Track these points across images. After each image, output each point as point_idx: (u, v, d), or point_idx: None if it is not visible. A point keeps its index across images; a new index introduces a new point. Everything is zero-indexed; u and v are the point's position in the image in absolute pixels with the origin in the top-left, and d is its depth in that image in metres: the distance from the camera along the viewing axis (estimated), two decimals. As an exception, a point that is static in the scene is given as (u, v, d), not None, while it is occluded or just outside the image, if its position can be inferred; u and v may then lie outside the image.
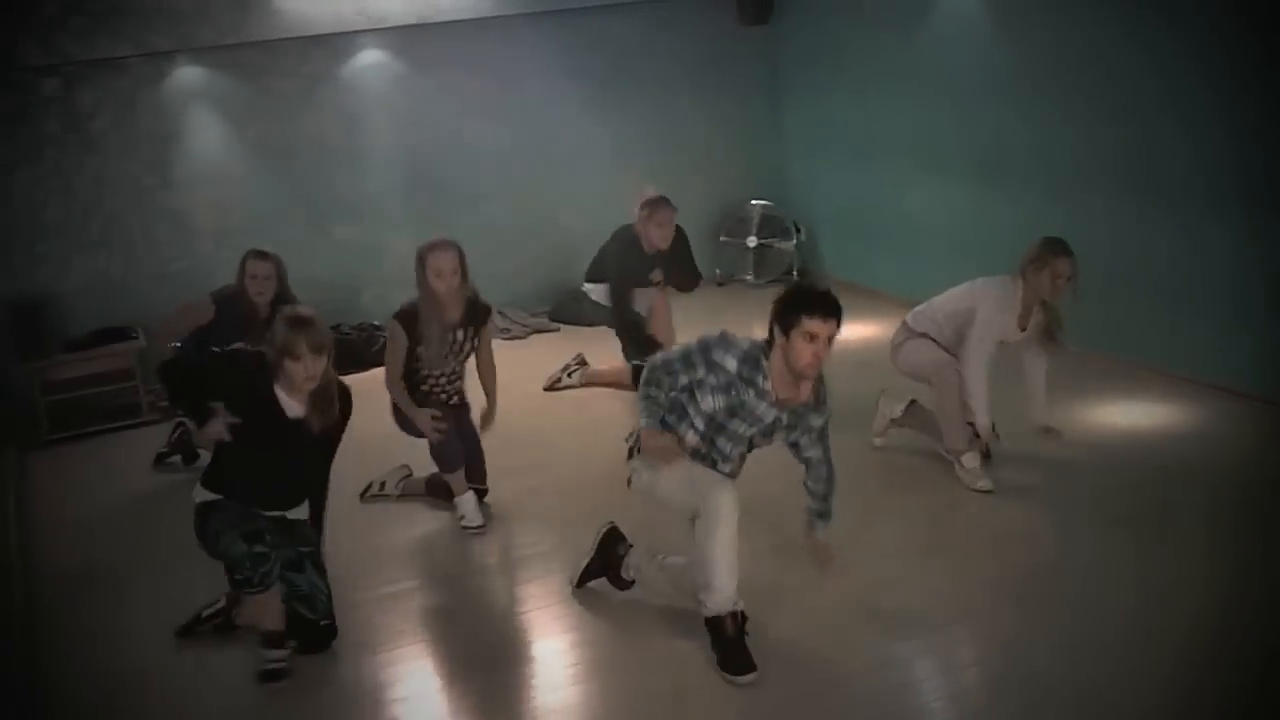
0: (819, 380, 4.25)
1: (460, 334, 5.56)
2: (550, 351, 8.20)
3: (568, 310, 9.07)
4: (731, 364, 4.13)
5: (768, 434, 4.32)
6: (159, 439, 7.02)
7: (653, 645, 4.44)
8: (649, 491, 4.45)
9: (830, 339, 4.06)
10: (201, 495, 4.50)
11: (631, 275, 6.92)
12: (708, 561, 4.17)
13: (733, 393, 4.15)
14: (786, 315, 4.07)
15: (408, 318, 5.45)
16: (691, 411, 4.25)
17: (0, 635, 4.95)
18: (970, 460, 5.63)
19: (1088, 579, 4.66)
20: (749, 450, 4.41)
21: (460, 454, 5.65)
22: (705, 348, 4.17)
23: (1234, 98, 6.12)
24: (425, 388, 5.62)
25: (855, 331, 8.25)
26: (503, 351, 8.31)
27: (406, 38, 8.45)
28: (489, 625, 4.76)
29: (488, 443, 5.85)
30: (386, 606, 4.91)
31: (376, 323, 8.68)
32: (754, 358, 4.15)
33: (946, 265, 8.25)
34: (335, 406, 4.50)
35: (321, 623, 4.53)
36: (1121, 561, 4.75)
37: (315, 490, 4.66)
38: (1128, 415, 6.36)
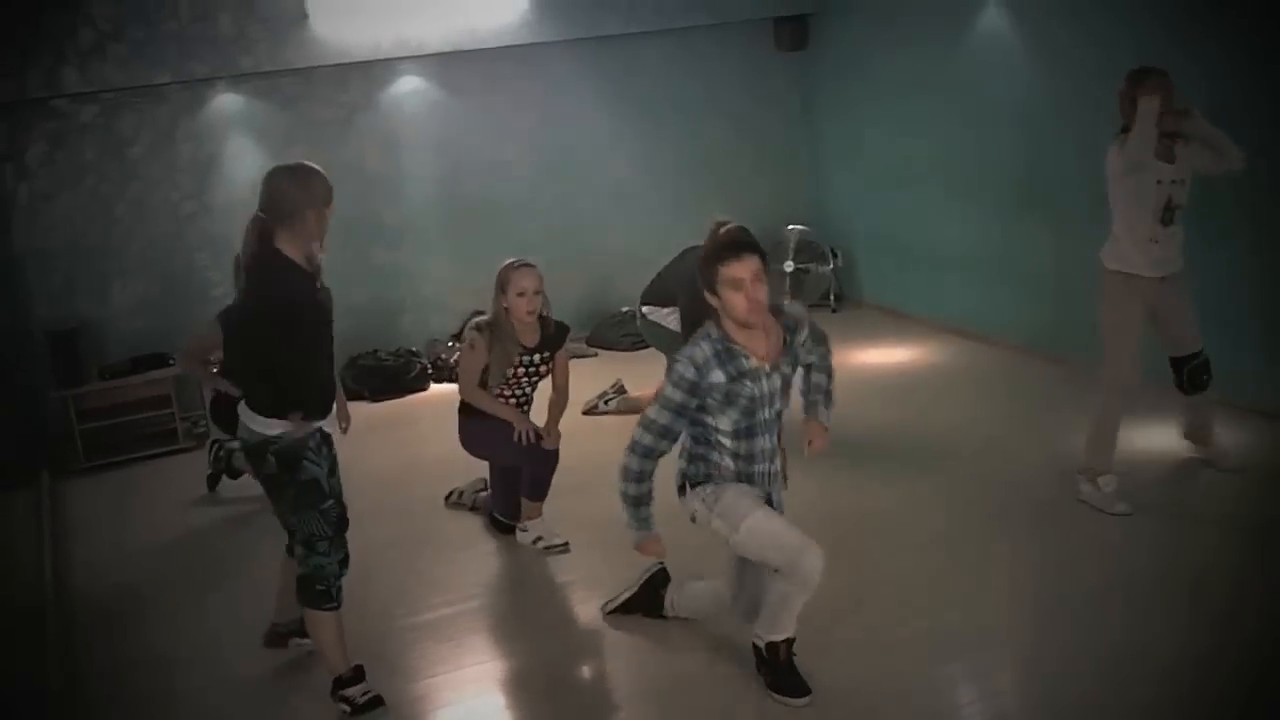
0: (789, 318, 4.11)
1: (536, 358, 5.53)
2: (588, 376, 8.14)
3: (605, 335, 9.05)
4: (719, 376, 3.94)
5: (783, 394, 4.09)
6: (196, 466, 7.02)
7: (694, 671, 4.35)
8: (725, 536, 4.18)
9: (757, 276, 3.86)
10: (274, 426, 4.04)
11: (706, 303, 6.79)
12: (782, 610, 4.06)
13: (740, 398, 3.96)
14: (706, 275, 3.93)
15: (490, 330, 5.42)
16: (720, 442, 4.06)
17: (36, 663, 4.91)
18: (1108, 483, 5.36)
19: (1144, 597, 4.55)
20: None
21: (548, 483, 5.59)
22: (689, 387, 3.94)
23: (1267, 122, 6.02)
24: (505, 399, 5.57)
25: (893, 357, 8.19)
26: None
27: (444, 64, 8.46)
28: (529, 651, 4.68)
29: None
30: (426, 632, 4.84)
31: (414, 348, 8.67)
32: (722, 348, 3.95)
33: (984, 290, 8.20)
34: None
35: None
36: (1177, 582, 4.65)
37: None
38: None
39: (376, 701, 4.21)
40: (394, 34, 7.87)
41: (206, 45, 7.41)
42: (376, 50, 7.90)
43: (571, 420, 6.31)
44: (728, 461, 4.09)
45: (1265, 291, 6.20)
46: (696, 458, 4.13)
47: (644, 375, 7.34)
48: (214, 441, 6.82)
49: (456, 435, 5.74)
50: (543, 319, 5.49)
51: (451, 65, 8.49)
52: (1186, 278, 5.42)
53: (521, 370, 5.51)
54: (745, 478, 4.11)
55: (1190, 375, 5.51)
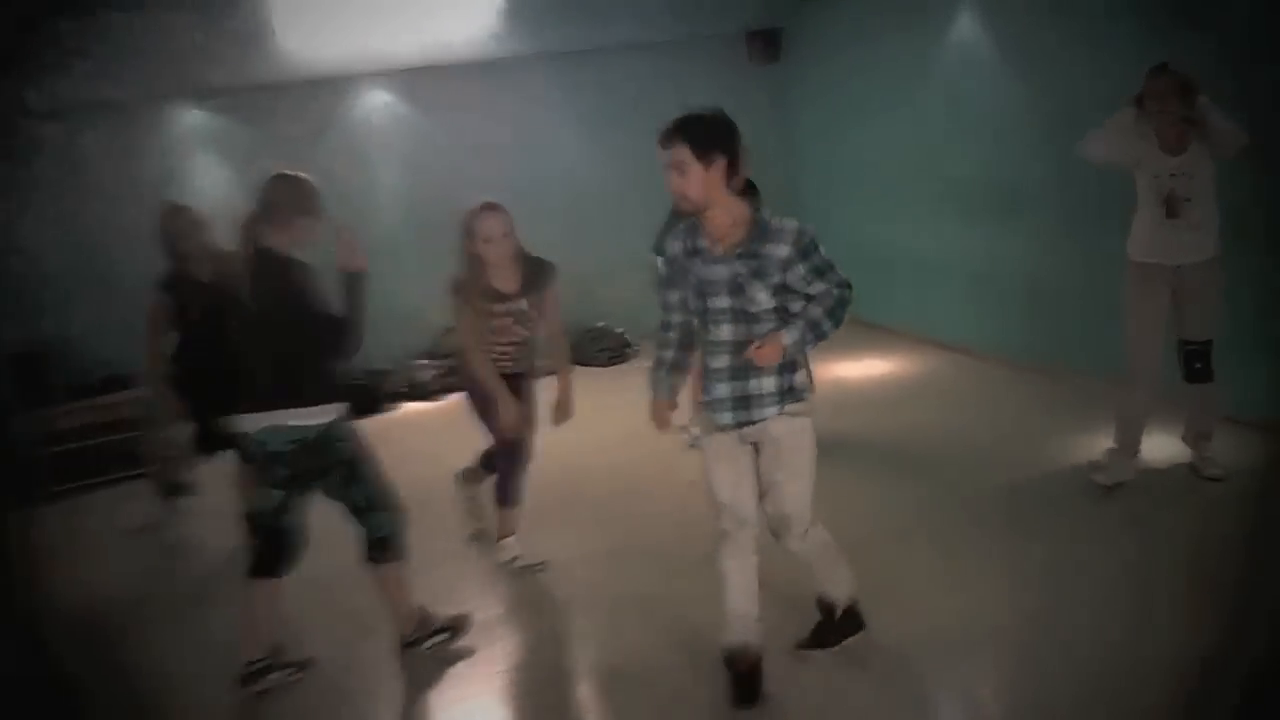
0: (762, 220, 3.89)
1: (523, 303, 5.22)
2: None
3: (583, 350, 9.00)
4: (677, 247, 3.99)
5: (737, 290, 3.85)
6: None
7: (675, 689, 4.25)
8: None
9: (683, 164, 3.76)
10: (330, 410, 4.32)
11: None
12: (722, 585, 4.09)
13: (690, 274, 3.92)
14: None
15: (464, 287, 5.16)
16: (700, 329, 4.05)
17: (9, 694, 4.80)
18: (1103, 454, 5.72)
19: (1140, 601, 4.49)
20: (750, 321, 3.89)
21: (523, 490, 5.43)
22: (657, 248, 4.07)
23: (1255, 127, 6.00)
24: (498, 354, 5.28)
25: (875, 369, 8.16)
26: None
27: (414, 79, 8.42)
28: (526, 665, 4.57)
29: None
30: (418, 654, 4.75)
31: (385, 367, 8.58)
32: (694, 224, 3.96)
33: (964, 301, 8.17)
34: None
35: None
36: (1172, 586, 4.60)
37: None
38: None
39: (464, 617, 4.75)
40: (362, 49, 7.81)
41: (170, 60, 7.31)
42: (345, 65, 7.84)
43: (562, 437, 6.18)
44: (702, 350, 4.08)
45: (1256, 299, 6.18)
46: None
47: (624, 391, 7.25)
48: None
49: (425, 456, 5.64)
50: (523, 260, 5.21)
51: (422, 80, 8.45)
52: (1214, 268, 5.38)
53: (510, 319, 5.21)
54: (708, 372, 4.01)
55: (1186, 358, 5.57)
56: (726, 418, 3.98)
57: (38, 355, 7.46)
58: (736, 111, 4.19)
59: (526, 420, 5.31)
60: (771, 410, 3.98)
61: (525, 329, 5.26)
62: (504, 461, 5.36)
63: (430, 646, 4.63)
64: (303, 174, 4.36)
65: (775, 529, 4.15)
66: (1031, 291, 7.57)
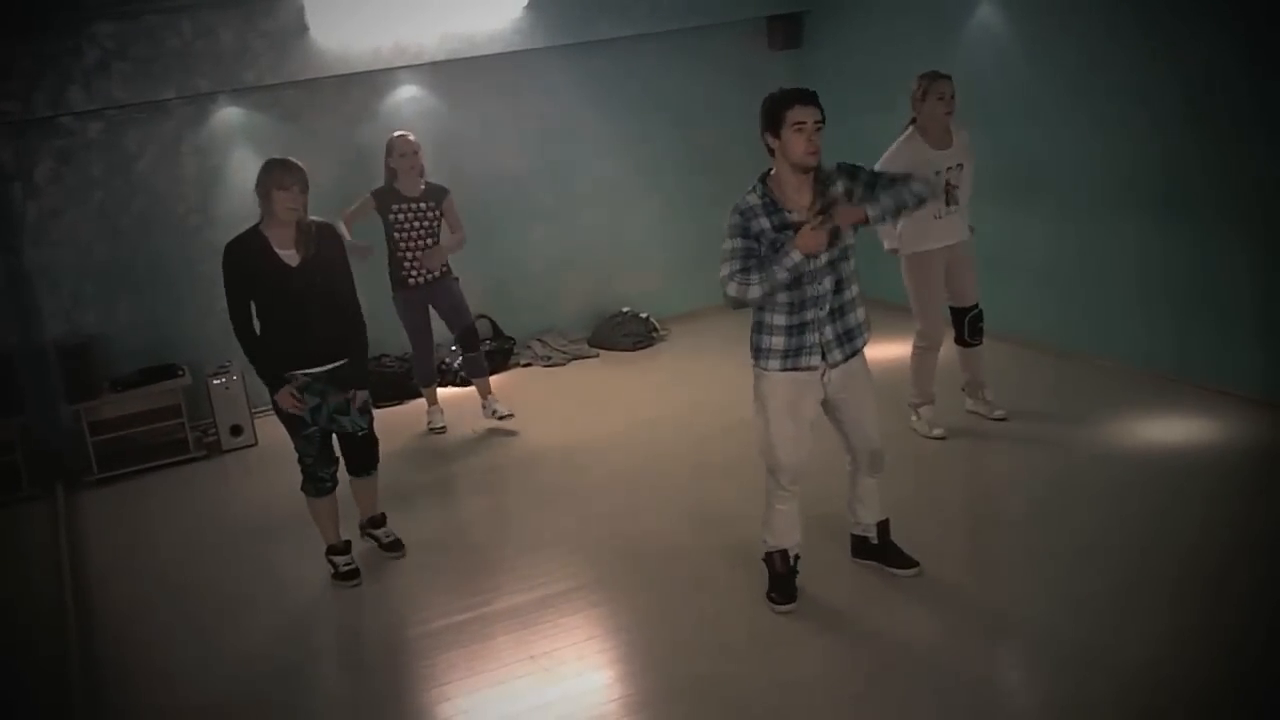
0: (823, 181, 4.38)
1: (422, 205, 7.06)
2: (591, 377, 8.23)
3: (606, 336, 9.13)
4: (765, 223, 4.30)
5: (833, 242, 4.36)
6: (206, 475, 7.10)
7: (696, 677, 4.40)
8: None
9: (818, 125, 4.27)
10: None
11: None
12: (767, 508, 4.66)
13: (789, 246, 4.24)
14: (772, 118, 4.28)
15: (381, 192, 7.10)
16: (777, 298, 4.36)
17: (58, 676, 4.99)
18: (926, 412, 6.42)
19: (1162, 588, 4.63)
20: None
21: (433, 372, 7.50)
22: (741, 230, 4.30)
23: (1262, 113, 6.10)
24: (407, 266, 7.13)
25: (894, 351, 8.25)
26: (544, 378, 8.39)
27: (442, 72, 8.54)
28: (539, 659, 4.71)
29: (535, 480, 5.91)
30: (443, 640, 4.93)
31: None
32: (768, 200, 4.33)
33: (980, 283, 8.25)
34: (315, 237, 5.10)
35: (359, 434, 5.38)
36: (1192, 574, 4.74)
37: (351, 326, 5.25)
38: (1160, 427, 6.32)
39: (348, 575, 5.46)
40: (392, 43, 7.95)
41: (209, 60, 7.49)
42: (375, 60, 7.97)
43: (576, 422, 6.35)
44: (779, 319, 4.39)
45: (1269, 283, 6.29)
46: (754, 327, 4.52)
47: (645, 373, 7.38)
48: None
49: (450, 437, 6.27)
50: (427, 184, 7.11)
51: (449, 73, 8.56)
52: (971, 243, 6.38)
53: (413, 214, 7.06)
54: (795, 330, 4.39)
55: (970, 324, 6.33)
56: (835, 355, 4.44)
57: (83, 347, 7.63)
58: (757, 97, 4.46)
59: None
60: (862, 339, 4.56)
61: (427, 229, 7.07)
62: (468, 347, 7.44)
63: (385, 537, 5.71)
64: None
65: (870, 465, 4.72)
66: (1053, 273, 7.68)
